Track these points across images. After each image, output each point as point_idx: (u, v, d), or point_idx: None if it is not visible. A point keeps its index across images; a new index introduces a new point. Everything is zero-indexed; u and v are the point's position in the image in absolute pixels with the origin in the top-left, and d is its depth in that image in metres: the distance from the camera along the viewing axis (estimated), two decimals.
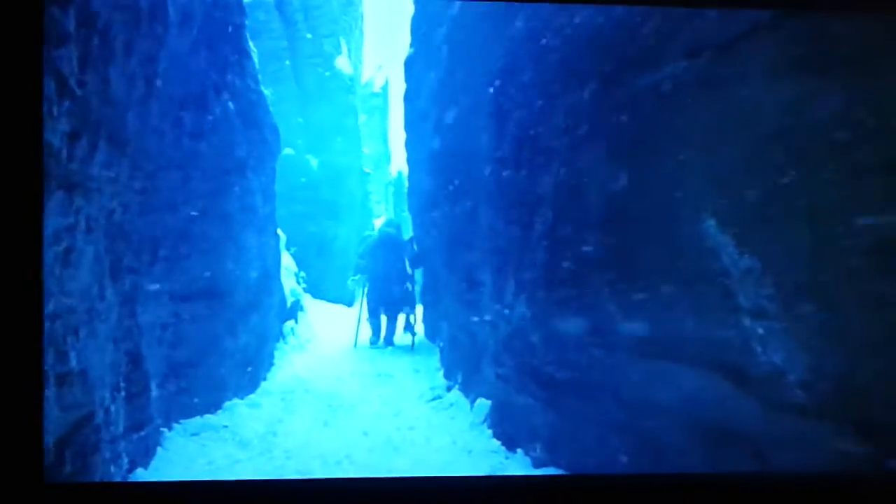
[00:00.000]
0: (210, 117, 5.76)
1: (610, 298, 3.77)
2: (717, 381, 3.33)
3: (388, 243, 10.48)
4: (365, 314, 10.51)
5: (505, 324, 5.03)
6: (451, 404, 6.57)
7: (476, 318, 6.31)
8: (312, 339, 10.14)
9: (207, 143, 5.62)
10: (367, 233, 14.38)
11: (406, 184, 22.08)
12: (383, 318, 10.57)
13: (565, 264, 4.05)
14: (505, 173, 5.07)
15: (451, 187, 6.88)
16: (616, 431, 3.95)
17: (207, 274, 6.07)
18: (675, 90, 3.17)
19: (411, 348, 9.83)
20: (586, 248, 3.87)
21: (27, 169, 2.02)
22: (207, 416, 5.92)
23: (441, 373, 7.70)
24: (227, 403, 6.34)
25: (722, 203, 2.97)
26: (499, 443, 5.27)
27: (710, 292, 3.21)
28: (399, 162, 33.70)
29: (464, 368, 6.75)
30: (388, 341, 10.36)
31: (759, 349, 3.07)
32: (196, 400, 5.83)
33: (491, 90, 5.40)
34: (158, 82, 4.03)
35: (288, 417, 6.18)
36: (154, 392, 4.99)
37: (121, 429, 4.23)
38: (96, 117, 2.99)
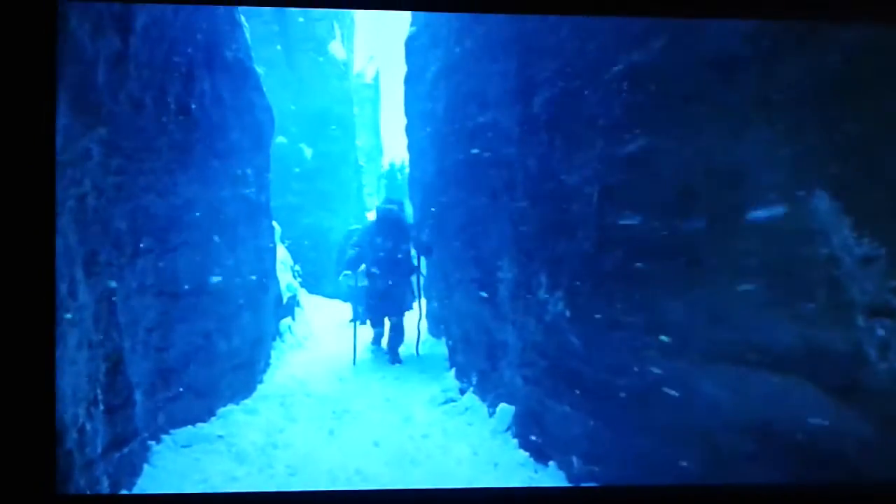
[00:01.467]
0: (198, 92, 5.15)
1: (673, 292, 3.21)
2: (809, 391, 2.79)
3: (392, 225, 8.29)
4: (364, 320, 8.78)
5: (536, 322, 4.46)
6: (467, 409, 6.01)
7: (493, 314, 5.75)
8: (310, 337, 9.55)
9: (195, 121, 5.01)
10: (354, 226, 13.50)
11: (399, 175, 21.47)
12: (387, 322, 8.74)
13: (617, 254, 3.48)
14: (535, 151, 4.49)
15: (464, 171, 6.29)
16: (675, 445, 3.40)
17: (197, 269, 5.48)
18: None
19: (416, 355, 8.48)
20: (644, 234, 3.30)
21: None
22: (200, 424, 5.36)
23: (452, 373, 7.12)
24: (220, 410, 5.76)
25: (841, 172, 2.40)
26: (527, 454, 4.72)
27: (809, 285, 2.66)
28: (391, 154, 33.05)
29: (479, 369, 6.19)
30: (394, 354, 8.46)
31: (873, 353, 2.52)
32: (187, 407, 5.25)
33: (515, 56, 4.81)
34: (135, 41, 3.43)
35: (289, 426, 5.61)
36: (139, 401, 4.41)
37: (99, 448, 3.65)
38: None
